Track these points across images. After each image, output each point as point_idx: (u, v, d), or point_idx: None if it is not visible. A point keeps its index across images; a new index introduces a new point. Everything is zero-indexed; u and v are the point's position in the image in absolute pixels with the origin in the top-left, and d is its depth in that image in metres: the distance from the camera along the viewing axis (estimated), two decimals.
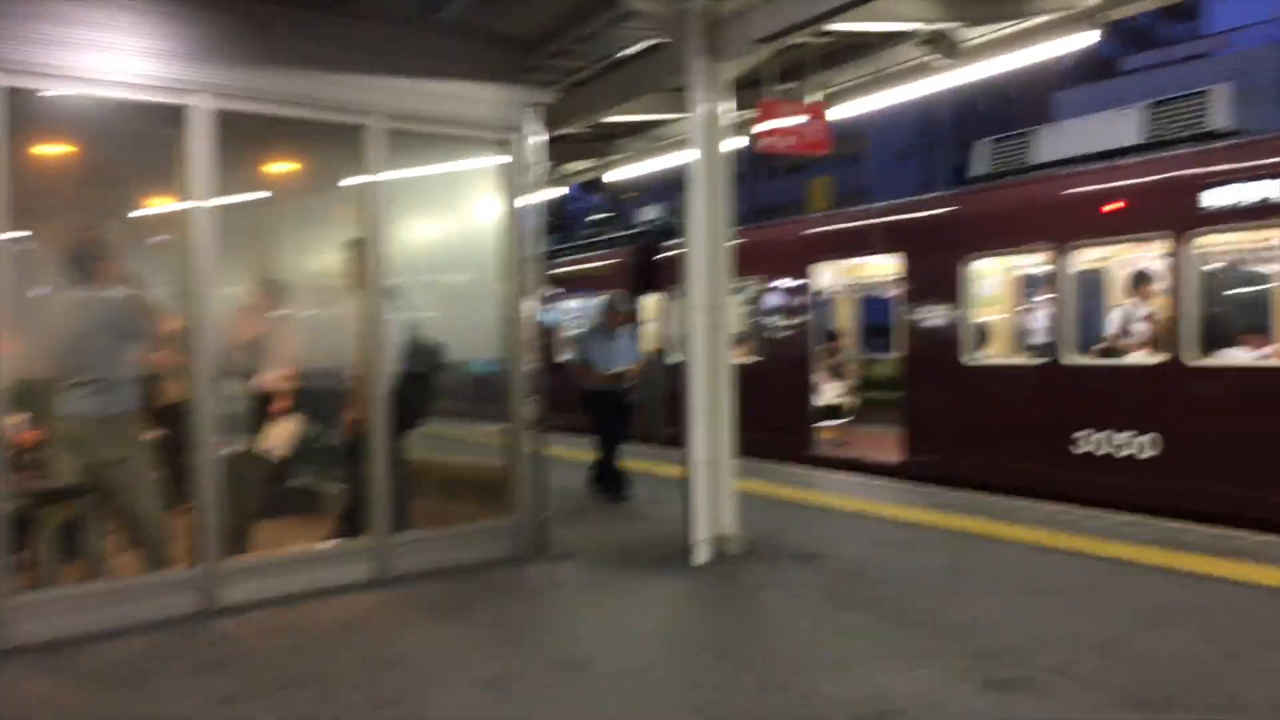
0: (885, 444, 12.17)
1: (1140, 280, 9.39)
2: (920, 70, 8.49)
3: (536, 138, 7.30)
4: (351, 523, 6.80)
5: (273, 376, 7.41)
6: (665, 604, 6.15)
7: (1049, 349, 11.88)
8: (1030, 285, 12.31)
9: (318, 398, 7.23)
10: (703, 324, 7.03)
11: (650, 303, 15.55)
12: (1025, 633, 5.22)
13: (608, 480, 9.61)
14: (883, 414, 14.15)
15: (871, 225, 11.87)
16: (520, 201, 7.29)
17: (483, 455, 7.79)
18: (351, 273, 6.73)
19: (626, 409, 9.69)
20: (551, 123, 8.24)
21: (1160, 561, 6.64)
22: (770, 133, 7.34)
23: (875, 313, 18.37)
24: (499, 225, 7.37)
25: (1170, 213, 8.49)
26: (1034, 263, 11.01)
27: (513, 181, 7.28)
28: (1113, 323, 9.62)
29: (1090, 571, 6.54)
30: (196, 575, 5.98)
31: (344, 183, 6.81)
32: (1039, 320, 11.97)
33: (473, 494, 7.69)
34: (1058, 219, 9.49)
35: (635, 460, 10.18)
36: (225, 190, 6.06)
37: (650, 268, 15.42)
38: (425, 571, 6.67)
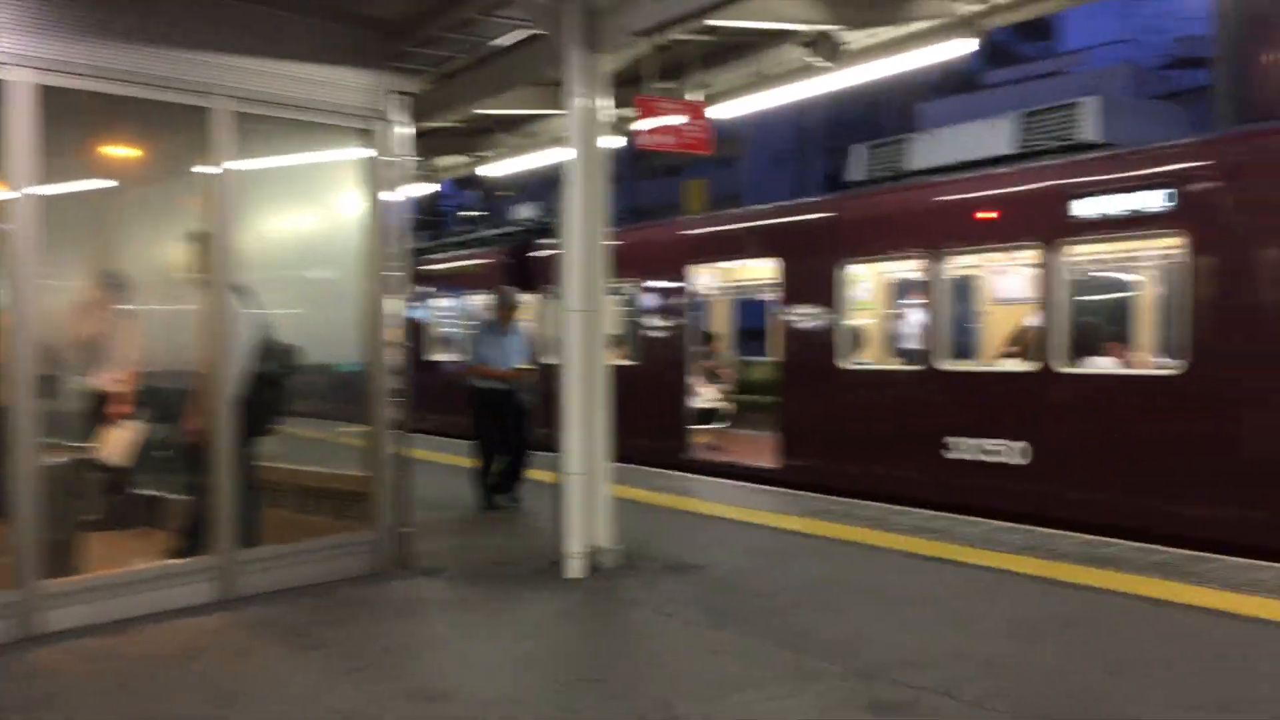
0: (761, 449, 12.07)
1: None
2: (802, 72, 8.37)
3: (403, 129, 6.88)
4: (193, 538, 6.26)
5: (111, 377, 6.81)
6: (535, 624, 5.82)
7: (923, 355, 12.04)
8: (903, 291, 12.44)
9: (161, 400, 6.66)
10: (578, 326, 6.72)
11: (525, 304, 15.16)
12: (908, 649, 5.07)
13: (490, 487, 9.22)
14: (758, 418, 14.11)
15: (749, 228, 11.76)
16: (386, 195, 6.87)
17: (342, 463, 7.33)
18: (197, 267, 6.20)
19: (520, 411, 9.28)
20: (421, 114, 7.82)
21: (1034, 571, 6.62)
22: (650, 131, 7.07)
23: (750, 316, 18.41)
24: (363, 220, 6.92)
25: (1040, 222, 8.56)
26: (908, 269, 11.06)
27: (378, 174, 6.85)
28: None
29: (967, 581, 6.47)
30: (12, 599, 5.38)
31: (191, 170, 6.27)
32: (911, 326, 12.08)
33: (330, 505, 7.21)
34: (932, 226, 9.50)
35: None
36: (54, 175, 5.48)
37: (525, 267, 15.04)
38: (275, 591, 6.19)
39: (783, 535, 8.06)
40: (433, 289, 17.53)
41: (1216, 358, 7.49)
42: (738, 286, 14.73)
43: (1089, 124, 9.05)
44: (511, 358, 9.21)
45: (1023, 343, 9.09)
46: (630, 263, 13.26)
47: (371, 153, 6.82)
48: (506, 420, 9.16)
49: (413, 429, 7.14)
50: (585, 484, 6.74)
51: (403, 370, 6.91)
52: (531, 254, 15.10)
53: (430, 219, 16.63)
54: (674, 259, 12.50)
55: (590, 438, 6.77)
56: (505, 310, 9.36)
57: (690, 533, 8.20)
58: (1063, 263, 8.44)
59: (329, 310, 7.38)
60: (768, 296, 14.71)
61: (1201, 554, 6.92)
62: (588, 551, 6.74)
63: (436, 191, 16.82)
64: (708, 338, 14.51)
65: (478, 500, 9.21)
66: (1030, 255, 8.81)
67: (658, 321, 12.71)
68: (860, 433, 10.05)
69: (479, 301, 16.64)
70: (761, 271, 13.74)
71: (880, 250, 10.20)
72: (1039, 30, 64.13)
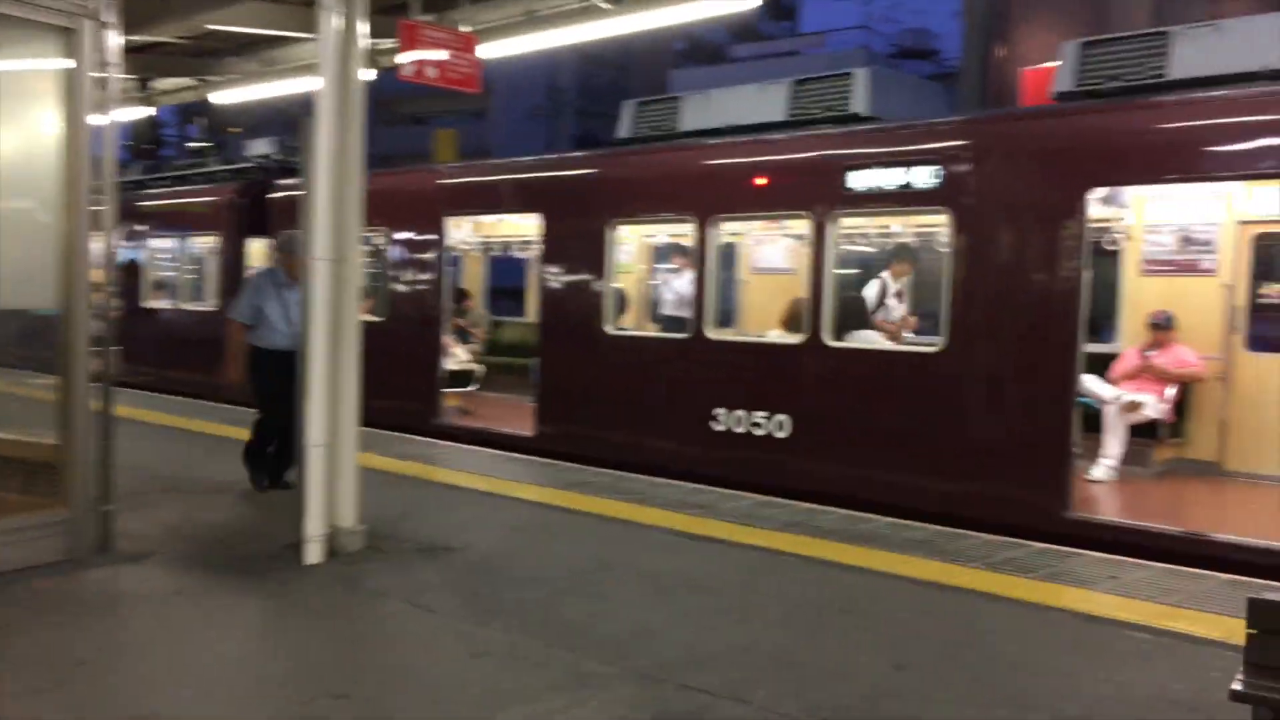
0: (516, 415, 11.54)
1: (900, 255, 9.39)
2: (579, 15, 7.80)
3: (116, 36, 5.77)
4: None
5: None
6: (265, 623, 5.03)
7: (690, 323, 11.83)
8: (666, 256, 12.19)
9: None
10: (325, 277, 5.89)
11: (256, 249, 13.86)
12: (689, 645, 4.68)
13: (263, 460, 7.91)
14: (509, 382, 13.55)
15: (513, 180, 11.09)
16: (93, 116, 5.75)
17: (31, 425, 6.18)
18: None
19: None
20: (137, 23, 6.67)
21: (802, 550, 6.43)
22: (415, 62, 6.31)
23: (503, 273, 17.76)
24: (62, 144, 5.78)
25: (812, 192, 8.43)
26: (678, 232, 10.79)
27: (82, 88, 5.71)
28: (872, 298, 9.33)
29: (737, 563, 6.19)
30: None
31: None
32: (675, 292, 11.84)
33: (12, 476, 6.06)
34: (706, 189, 9.21)
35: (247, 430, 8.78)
36: None
37: (260, 209, 13.71)
38: None
39: (544, 510, 7.56)
40: (152, 228, 15.77)
41: (971, 335, 7.60)
42: (492, 241, 14.04)
43: (860, 96, 8.99)
44: (294, 315, 7.71)
45: (794, 315, 8.98)
46: (380, 211, 12.29)
47: (73, 62, 5.69)
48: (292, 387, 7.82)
49: (124, 383, 6.11)
50: (328, 456, 5.96)
51: (110, 316, 5.85)
52: (268, 194, 13.77)
53: (148, 149, 14.87)
54: (431, 209, 11.66)
55: (335, 404, 5.98)
56: (290, 259, 7.55)
57: (444, 508, 7.55)
58: (834, 235, 8.34)
59: (16, 247, 6.17)
60: (527, 254, 14.16)
61: (956, 530, 6.99)
62: (330, 534, 5.97)
63: (154, 118, 15.05)
64: (461, 295, 13.77)
65: (253, 478, 7.88)
66: (803, 225, 8.66)
67: (410, 275, 11.85)
68: (626, 401, 9.69)
69: (205, 244, 15.11)
70: (522, 228, 13.16)
71: (652, 211, 9.83)
72: (783, 11, 66.81)
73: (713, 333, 9.10)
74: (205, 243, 15.06)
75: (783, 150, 8.84)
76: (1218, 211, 8.86)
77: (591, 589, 5.61)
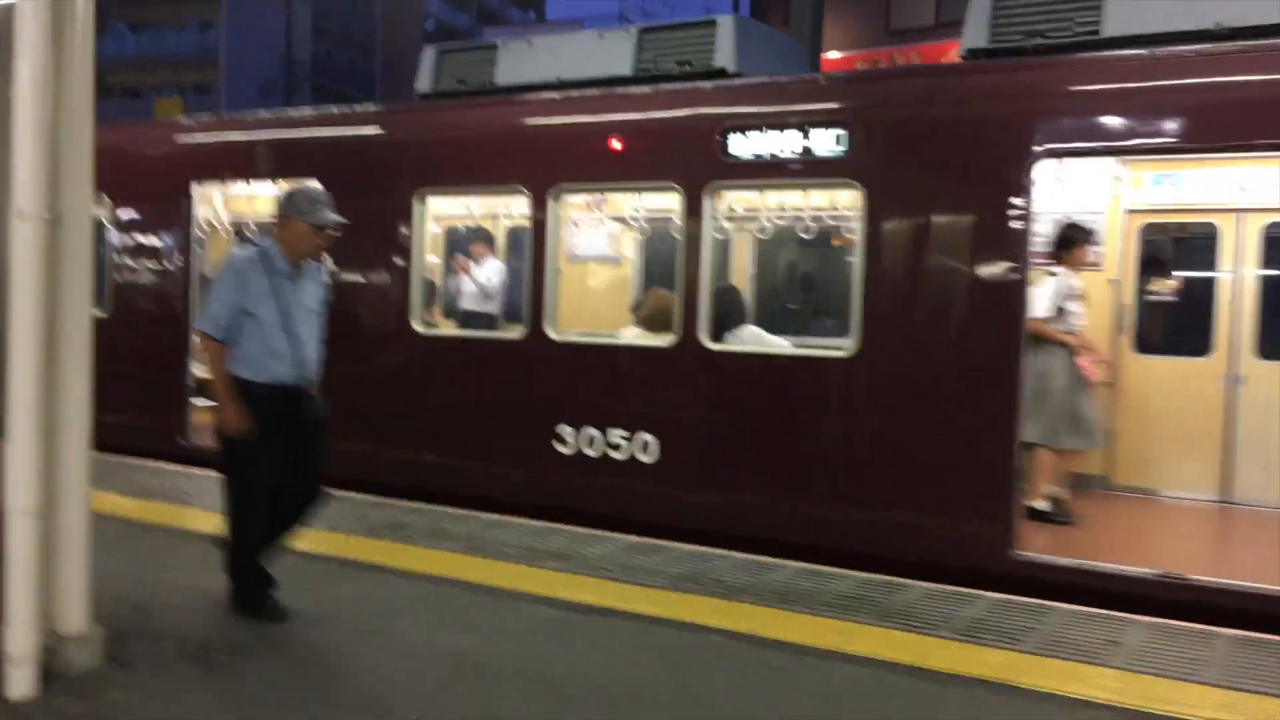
0: None
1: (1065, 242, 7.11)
2: None
3: None
4: None
5: None
6: None
7: (495, 321, 10.01)
8: (471, 237, 10.32)
9: None
10: (31, 247, 3.74)
11: None
12: None
13: (256, 571, 4.93)
14: None
15: (286, 140, 8.86)
16: None
17: None
18: None
19: (314, 425, 4.98)
20: None
21: (732, 623, 4.87)
22: None
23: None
24: None
25: (684, 159, 6.88)
26: (487, 212, 9.02)
27: None
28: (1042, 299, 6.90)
29: (653, 649, 4.54)
30: None
31: None
32: (480, 282, 10.01)
33: None
34: (545, 154, 7.45)
35: None
36: None
37: None
38: None
39: (352, 572, 5.63)
40: None
41: (887, 338, 6.28)
42: (246, 217, 11.63)
43: (726, 48, 7.51)
44: (304, 326, 4.83)
45: (654, 310, 7.36)
46: (100, 179, 9.73)
47: None
48: (291, 442, 4.80)
49: None
50: (42, 528, 3.81)
51: None
52: None
53: None
54: (171, 175, 9.24)
55: (54, 443, 3.84)
56: (293, 229, 4.72)
57: (209, 573, 5.45)
58: (711, 211, 6.81)
59: None
60: None
61: (888, 578, 5.66)
62: (49, 647, 3.84)
63: None
64: (206, 283, 11.32)
65: (237, 597, 4.87)
66: (672, 199, 7.08)
67: (143, 261, 9.37)
68: (442, 417, 7.78)
69: None
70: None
71: (472, 180, 7.96)
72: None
73: (556, 332, 7.34)
74: None
75: (643, 106, 7.21)
76: (1102, 199, 8.03)
77: (462, 709, 3.80)
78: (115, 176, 9.45)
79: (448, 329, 9.13)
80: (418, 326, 7.86)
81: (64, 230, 3.87)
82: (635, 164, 7.11)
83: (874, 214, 6.25)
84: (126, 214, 9.44)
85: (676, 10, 48.94)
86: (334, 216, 4.77)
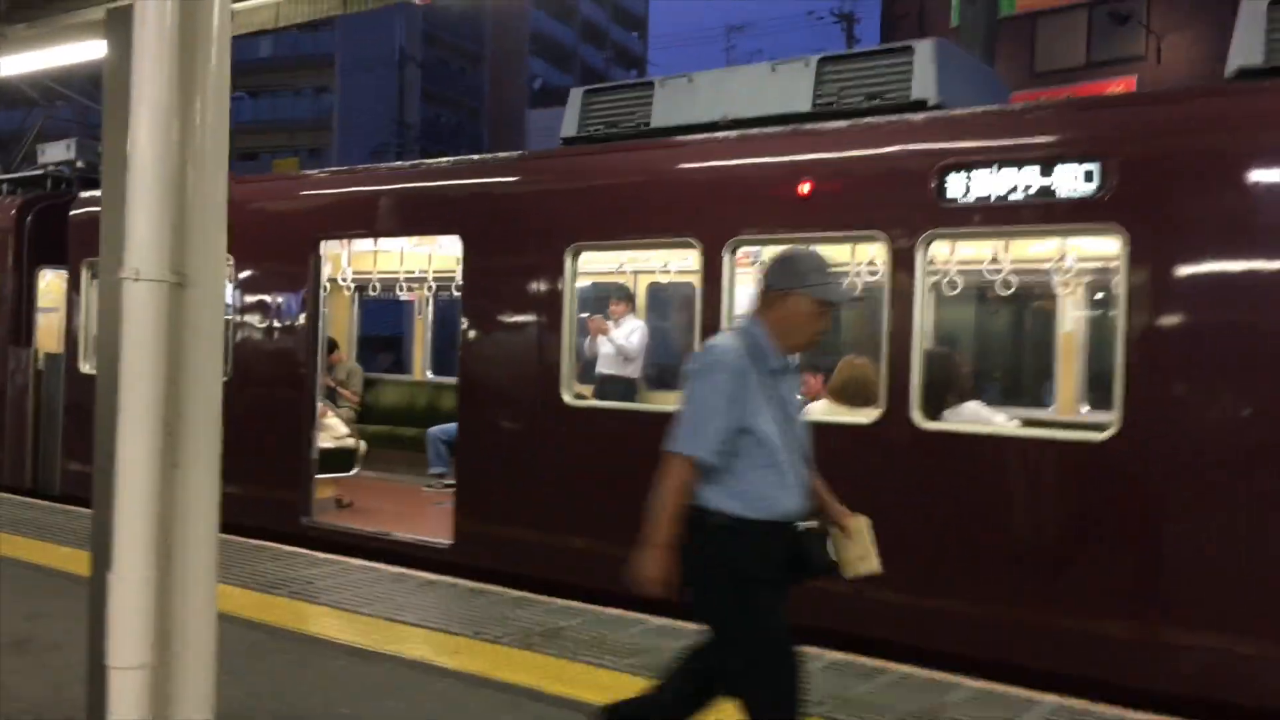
0: (416, 511, 8.58)
1: None
2: None
3: None
4: None
5: None
6: None
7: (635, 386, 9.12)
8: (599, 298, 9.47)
9: None
10: (152, 311, 2.88)
11: (50, 283, 10.41)
12: None
13: None
14: (390, 459, 10.51)
15: (421, 191, 8.11)
16: None
17: None
18: None
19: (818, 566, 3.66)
20: None
21: None
22: None
23: (375, 318, 14.64)
24: None
25: (892, 204, 5.86)
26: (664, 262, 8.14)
27: None
28: None
29: None
30: None
31: None
32: (629, 341, 9.13)
33: None
34: (717, 201, 6.52)
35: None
36: None
37: (54, 230, 10.27)
38: None
39: (510, 699, 4.65)
40: None
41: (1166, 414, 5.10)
42: (365, 276, 10.98)
43: (925, 77, 6.51)
44: (799, 436, 3.60)
45: (848, 381, 6.28)
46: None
47: None
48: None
49: None
50: (154, 679, 2.90)
51: None
52: (67, 210, 10.34)
53: None
54: (298, 230, 8.56)
55: (174, 578, 2.94)
56: (786, 304, 3.44)
57: (369, 702, 4.54)
58: (923, 263, 5.76)
59: None
60: (415, 293, 11.17)
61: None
62: None
63: None
64: (329, 346, 10.65)
65: None
66: (876, 251, 6.06)
67: (267, 319, 8.69)
68: (597, 503, 6.81)
69: None
70: (415, 258, 10.21)
71: (633, 232, 7.05)
72: (633, 20, 65.67)
73: None
74: None
75: (837, 144, 6.22)
76: None
77: None
78: (236, 231, 8.85)
79: (607, 402, 8.17)
80: (568, 398, 6.93)
81: (192, 294, 3.01)
82: (829, 211, 6.11)
83: (1140, 262, 5.12)
84: (248, 271, 8.79)
85: (779, 55, 48.02)
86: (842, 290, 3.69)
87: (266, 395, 8.56)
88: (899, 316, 5.70)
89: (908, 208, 5.73)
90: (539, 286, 7.10)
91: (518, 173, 7.63)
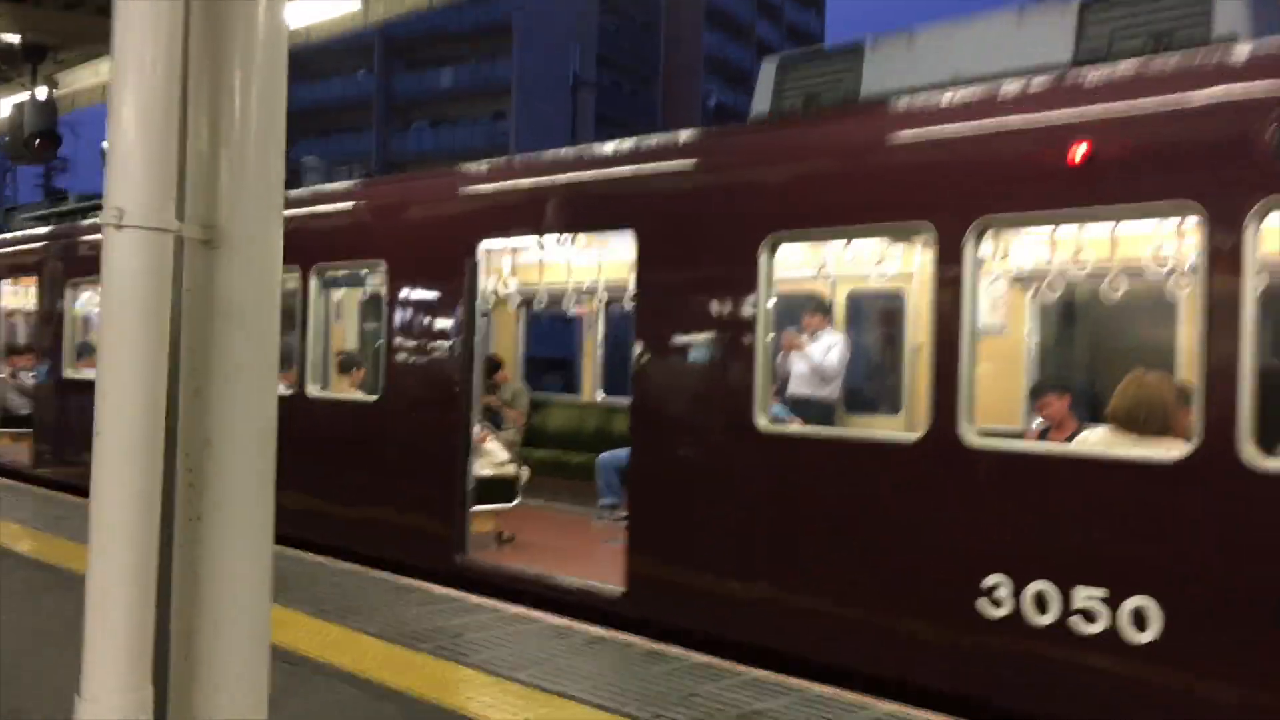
0: (584, 549, 7.53)
1: None
2: None
3: None
4: None
5: None
6: None
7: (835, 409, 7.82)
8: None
9: None
10: (145, 275, 1.80)
11: None
12: None
13: None
14: (556, 487, 9.50)
15: (589, 183, 7.03)
16: None
17: None
18: None
19: None
20: None
21: None
22: None
23: (544, 339, 13.77)
24: None
25: (1209, 167, 4.38)
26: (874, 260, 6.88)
27: None
28: None
29: None
30: None
31: None
32: (827, 358, 7.85)
33: None
34: (963, 175, 5.16)
35: None
36: None
37: None
38: None
39: None
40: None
41: None
42: (532, 288, 10.03)
43: (1231, 9, 5.00)
44: None
45: (1139, 403, 4.82)
46: (374, 239, 8.33)
47: None
48: None
49: None
50: None
51: None
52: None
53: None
54: (454, 234, 7.64)
55: (198, 605, 1.85)
56: None
57: None
58: (1253, 244, 4.25)
59: None
60: (584, 305, 10.18)
61: None
62: None
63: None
64: (494, 365, 9.76)
65: None
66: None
67: (420, 334, 7.79)
68: (802, 549, 5.53)
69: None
70: (584, 270, 9.23)
71: (851, 218, 5.72)
72: None
73: (973, 433, 4.91)
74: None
75: (1124, 94, 4.74)
76: None
77: None
78: (391, 238, 8.03)
79: (810, 428, 6.86)
80: (763, 423, 5.67)
81: (229, 258, 1.94)
82: (1113, 178, 4.65)
83: None
84: (402, 280, 7.93)
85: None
86: None
87: (417, 416, 7.66)
88: (1219, 312, 4.21)
89: (1234, 168, 4.24)
90: (726, 288, 5.90)
91: (702, 154, 6.45)
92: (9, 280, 13.34)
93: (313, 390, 8.62)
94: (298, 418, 8.67)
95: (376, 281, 8.17)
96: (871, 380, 9.37)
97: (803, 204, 5.76)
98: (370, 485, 7.89)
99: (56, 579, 6.66)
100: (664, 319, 6.23)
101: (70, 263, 11.72)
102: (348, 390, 8.86)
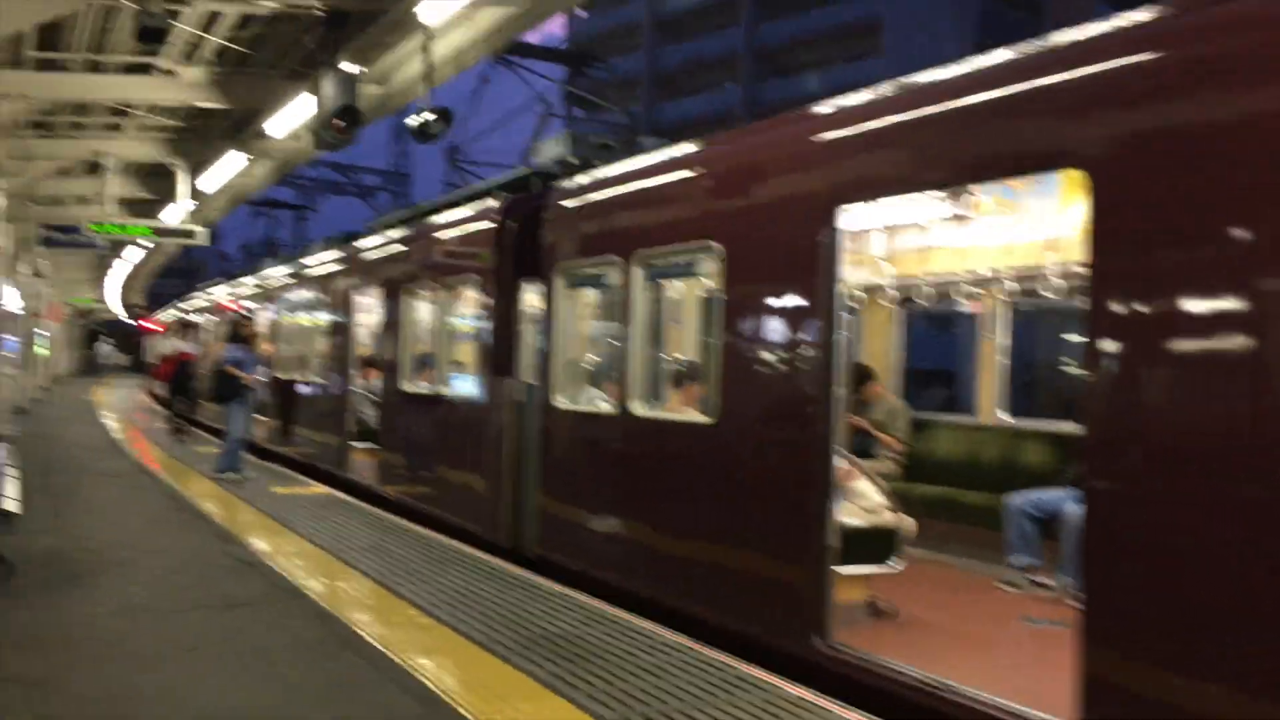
0: (999, 633, 5.35)
1: None
2: None
3: None
4: None
5: None
6: None
7: None
8: None
9: None
10: None
11: (531, 300, 8.62)
12: None
13: None
14: (946, 534, 7.27)
15: (1001, 100, 4.80)
16: None
17: None
18: None
19: None
20: None
21: None
22: None
23: (921, 348, 11.47)
24: None
25: None
26: None
27: None
28: None
29: None
30: None
31: None
32: None
33: None
34: None
35: None
36: None
37: (533, 235, 8.47)
38: None
39: None
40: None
41: None
42: (914, 278, 7.86)
43: None
44: None
45: None
46: (709, 213, 6.57)
47: None
48: None
49: None
50: None
51: None
52: (547, 208, 8.49)
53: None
54: (803, 202, 5.69)
55: None
56: None
57: None
58: None
59: None
60: (966, 301, 7.83)
61: None
62: None
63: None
64: (862, 375, 7.73)
65: None
66: None
67: (767, 342, 5.86)
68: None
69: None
70: (979, 249, 7.05)
71: None
72: None
73: None
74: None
75: None
76: None
77: None
78: (728, 212, 6.26)
79: None
80: None
81: None
82: None
83: None
84: (739, 267, 6.09)
85: None
86: None
87: (757, 444, 5.79)
88: None
89: None
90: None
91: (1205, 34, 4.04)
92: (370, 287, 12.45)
93: (637, 408, 7.03)
94: (624, 441, 7.14)
95: (709, 270, 6.40)
96: None
97: None
98: (702, 532, 6.15)
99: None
100: (1156, 311, 3.88)
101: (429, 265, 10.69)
102: (680, 409, 7.16)
